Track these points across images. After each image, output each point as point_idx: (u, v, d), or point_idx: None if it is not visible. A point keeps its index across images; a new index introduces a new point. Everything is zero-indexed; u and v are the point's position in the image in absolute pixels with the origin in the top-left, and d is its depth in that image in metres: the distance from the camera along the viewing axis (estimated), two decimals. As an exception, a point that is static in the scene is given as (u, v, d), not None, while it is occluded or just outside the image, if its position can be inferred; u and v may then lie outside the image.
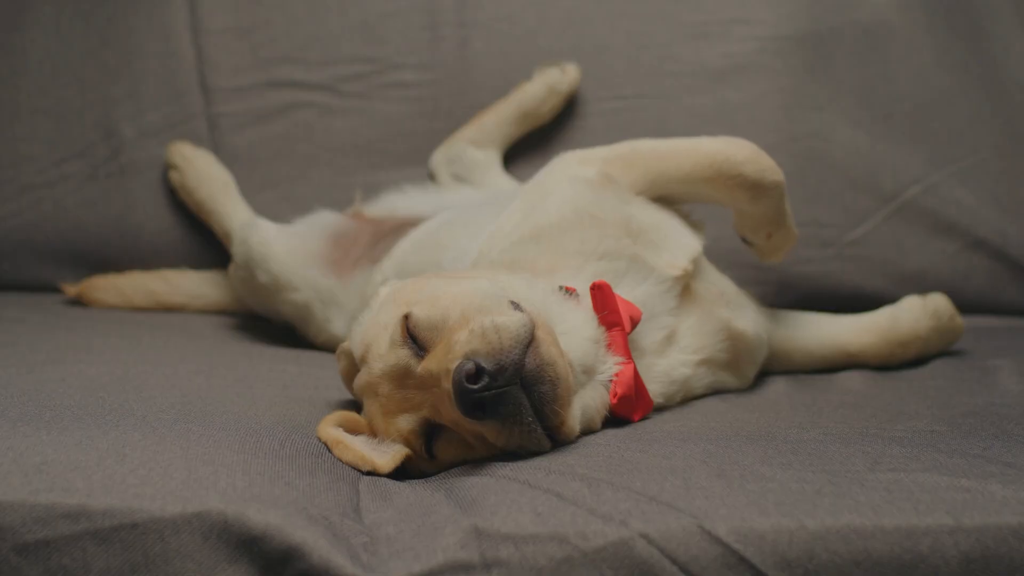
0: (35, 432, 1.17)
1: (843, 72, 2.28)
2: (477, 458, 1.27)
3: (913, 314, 1.84)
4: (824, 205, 2.26)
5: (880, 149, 2.27)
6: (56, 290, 2.36)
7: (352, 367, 1.45)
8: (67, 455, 1.10)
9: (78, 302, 2.31)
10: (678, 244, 1.58)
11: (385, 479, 1.24)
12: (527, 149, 2.35)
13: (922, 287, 2.09)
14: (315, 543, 1.01)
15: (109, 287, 2.31)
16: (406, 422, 1.30)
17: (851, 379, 1.74)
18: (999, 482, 1.10)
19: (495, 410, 1.20)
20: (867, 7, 2.29)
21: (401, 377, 1.31)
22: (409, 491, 1.18)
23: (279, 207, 2.32)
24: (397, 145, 2.35)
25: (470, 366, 1.19)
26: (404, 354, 1.31)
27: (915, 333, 1.83)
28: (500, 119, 2.29)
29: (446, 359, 1.23)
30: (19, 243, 2.40)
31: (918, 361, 1.85)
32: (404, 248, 1.88)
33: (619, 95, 2.32)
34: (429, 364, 1.27)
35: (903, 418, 1.44)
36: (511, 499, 1.07)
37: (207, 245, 2.36)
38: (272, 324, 2.13)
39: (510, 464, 1.20)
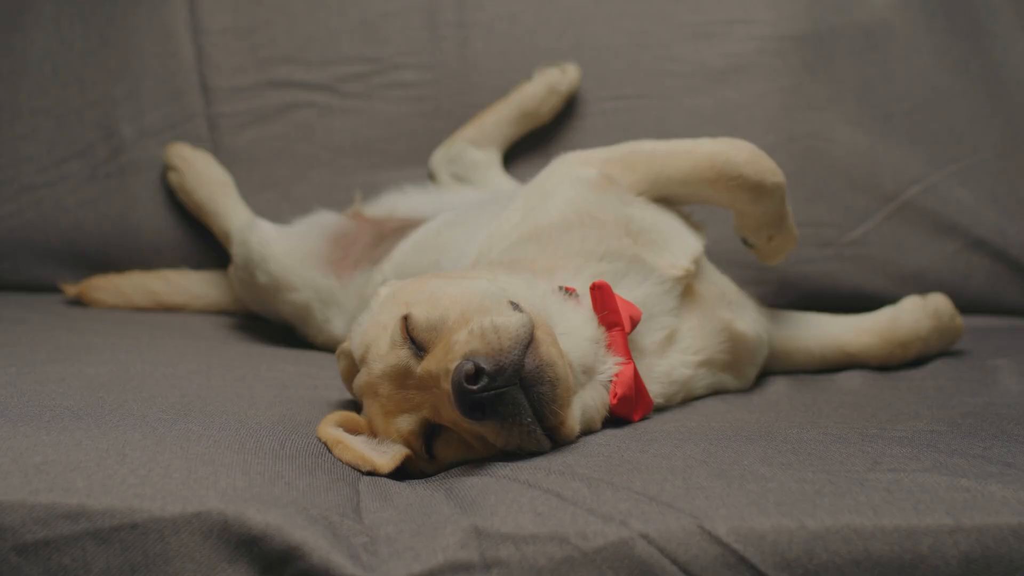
0: (35, 432, 1.17)
1: (843, 72, 2.28)
2: (477, 458, 1.27)
3: (914, 315, 1.84)
4: (824, 205, 2.26)
5: (880, 149, 2.27)
6: (56, 290, 2.36)
7: (352, 367, 1.44)
8: (67, 455, 1.10)
9: (78, 302, 2.31)
10: (679, 244, 1.58)
11: (385, 479, 1.24)
12: (527, 149, 2.35)
13: (922, 287, 2.09)
14: (315, 543, 1.01)
15: (109, 287, 2.31)
16: (406, 422, 1.30)
17: (851, 379, 1.74)
18: (999, 482, 1.10)
19: (494, 411, 1.20)
20: (867, 7, 2.29)
21: (401, 377, 1.31)
22: (409, 491, 1.17)
23: (279, 207, 2.32)
24: (397, 145, 2.35)
25: (469, 366, 1.18)
26: (404, 354, 1.31)
27: (916, 333, 1.83)
28: (500, 119, 2.29)
29: (445, 359, 1.23)
30: (19, 243, 2.40)
31: (918, 361, 1.85)
32: (404, 249, 1.88)
33: (619, 95, 2.32)
34: (428, 364, 1.27)
35: (903, 418, 1.44)
36: (511, 499, 1.07)
37: (207, 245, 2.36)
38: (272, 324, 2.13)
39: (510, 464, 1.20)
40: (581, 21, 2.34)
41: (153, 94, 2.39)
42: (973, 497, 1.07)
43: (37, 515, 1.03)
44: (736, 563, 1.00)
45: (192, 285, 2.32)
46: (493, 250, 1.57)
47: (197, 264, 2.36)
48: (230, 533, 1.02)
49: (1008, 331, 2.14)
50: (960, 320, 1.90)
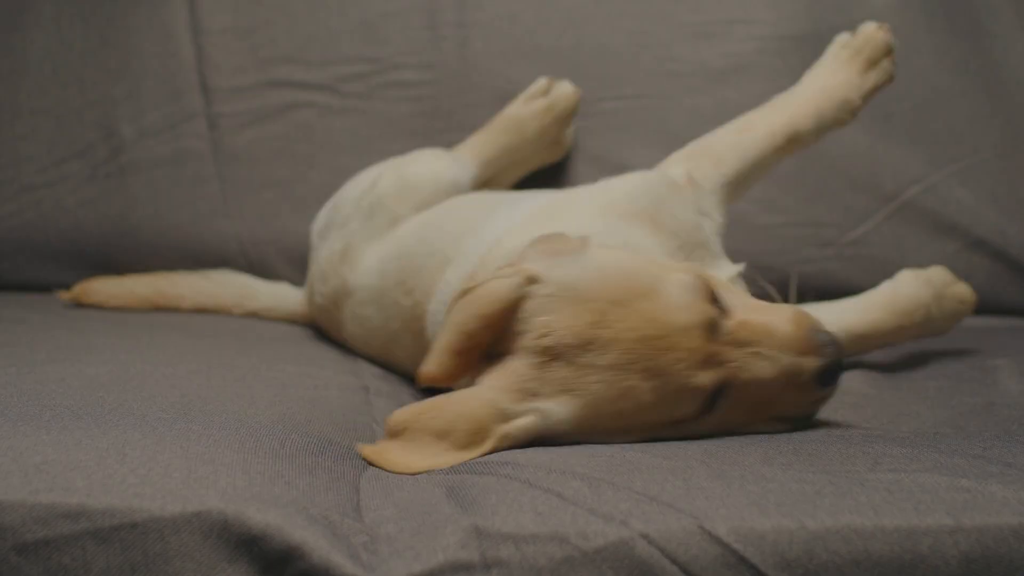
0: (35, 432, 1.17)
1: (843, 72, 2.28)
2: (737, 425, 1.32)
3: (911, 285, 1.82)
4: (824, 205, 2.26)
5: (880, 149, 2.27)
6: (56, 289, 2.35)
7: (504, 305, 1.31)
8: (67, 454, 1.10)
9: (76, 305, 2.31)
10: (725, 264, 1.60)
11: (386, 476, 1.23)
12: (527, 149, 2.34)
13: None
14: (315, 543, 1.01)
15: (103, 293, 2.29)
16: (708, 377, 1.28)
17: (851, 379, 1.73)
18: (999, 482, 1.10)
19: (834, 378, 1.31)
20: (867, 7, 2.29)
21: (709, 332, 1.28)
22: (409, 490, 1.17)
23: (279, 207, 2.32)
24: (397, 145, 2.35)
25: (827, 337, 1.27)
26: (712, 309, 1.29)
27: (917, 300, 1.80)
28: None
29: (798, 326, 1.29)
30: (19, 243, 2.40)
31: (920, 360, 1.85)
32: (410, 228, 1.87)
33: (619, 95, 2.32)
34: (780, 324, 1.30)
35: (903, 418, 1.44)
36: (512, 498, 1.07)
37: (207, 245, 2.36)
38: (270, 324, 2.14)
39: (511, 463, 1.20)
40: (581, 21, 2.34)
41: (153, 94, 2.39)
42: (973, 497, 1.07)
43: (37, 515, 1.03)
44: (736, 563, 1.00)
45: (192, 285, 2.32)
46: (558, 220, 1.53)
47: (197, 264, 2.36)
48: (230, 533, 1.02)
49: (1008, 331, 2.14)
50: (962, 288, 1.86)
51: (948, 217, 2.26)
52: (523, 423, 1.28)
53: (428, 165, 2.03)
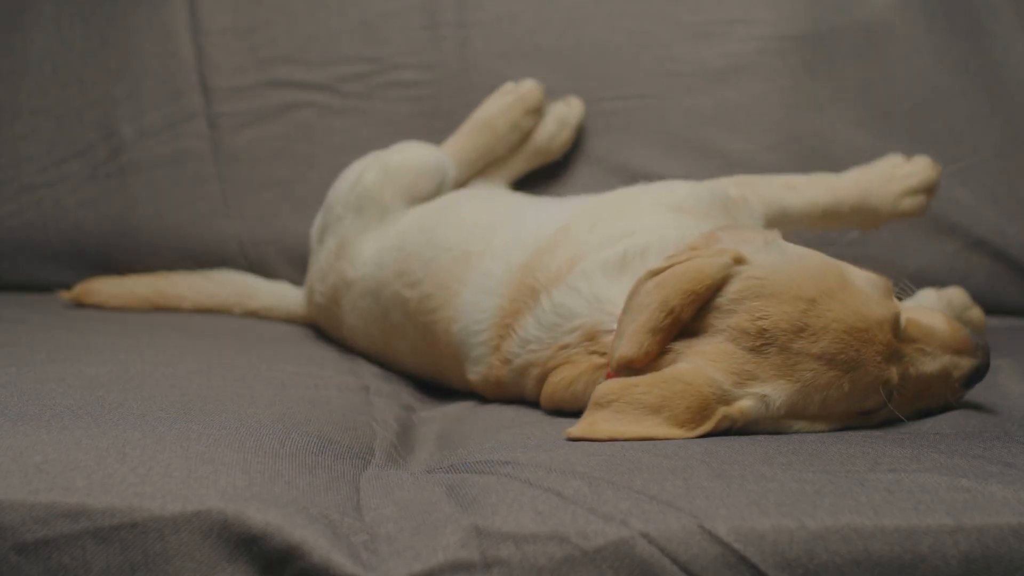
0: (35, 431, 1.17)
1: (843, 72, 2.28)
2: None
3: (935, 306, 1.85)
4: (824, 205, 2.26)
5: (880, 149, 2.26)
6: (56, 289, 2.35)
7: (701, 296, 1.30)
8: (67, 454, 1.10)
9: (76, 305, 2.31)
10: None
11: (386, 475, 1.23)
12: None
13: (922, 287, 2.09)
14: (315, 542, 1.01)
15: (103, 293, 2.29)
16: (893, 372, 1.32)
17: (852, 379, 1.74)
18: (999, 482, 1.10)
19: (981, 378, 1.38)
20: (867, 7, 2.29)
21: (895, 327, 1.33)
22: (409, 488, 1.17)
23: (279, 207, 2.32)
24: (397, 145, 2.36)
25: (978, 339, 1.35)
26: (895, 305, 1.34)
27: None
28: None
29: (955, 332, 1.34)
30: (19, 243, 2.40)
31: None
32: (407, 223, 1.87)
33: (619, 95, 2.32)
34: (944, 328, 1.36)
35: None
36: (512, 498, 1.07)
37: (207, 245, 2.36)
38: (270, 324, 2.13)
39: (511, 463, 1.20)
40: (581, 21, 2.34)
41: (153, 94, 2.39)
42: (973, 497, 1.07)
43: (37, 514, 1.03)
44: (736, 563, 1.00)
45: (191, 286, 2.32)
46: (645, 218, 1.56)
47: (197, 264, 2.36)
48: (230, 532, 1.02)
49: (1008, 331, 2.13)
50: (978, 312, 1.91)
51: (948, 217, 2.25)
52: (745, 406, 1.28)
53: (410, 152, 2.06)
